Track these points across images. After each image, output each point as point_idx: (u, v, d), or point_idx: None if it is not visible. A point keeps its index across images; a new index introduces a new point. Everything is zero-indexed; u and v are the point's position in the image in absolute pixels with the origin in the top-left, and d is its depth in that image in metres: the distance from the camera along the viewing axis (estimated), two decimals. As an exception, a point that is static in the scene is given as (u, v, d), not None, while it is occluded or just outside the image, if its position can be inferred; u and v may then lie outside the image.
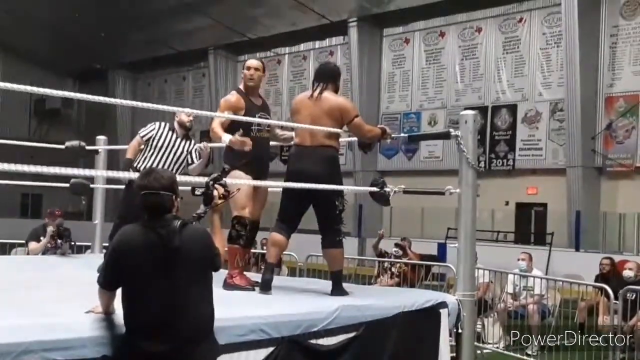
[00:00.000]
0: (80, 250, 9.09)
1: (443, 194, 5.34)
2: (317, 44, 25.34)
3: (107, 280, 3.31)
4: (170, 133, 6.32)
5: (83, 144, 7.31)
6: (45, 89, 4.00)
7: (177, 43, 27.77)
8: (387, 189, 5.33)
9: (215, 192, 4.08)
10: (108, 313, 3.40)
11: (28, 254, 9.09)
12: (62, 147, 7.24)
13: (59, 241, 8.43)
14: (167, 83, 30.66)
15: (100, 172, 6.06)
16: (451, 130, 5.39)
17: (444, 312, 4.91)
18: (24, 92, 5.38)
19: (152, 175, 3.35)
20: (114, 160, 11.60)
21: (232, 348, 3.64)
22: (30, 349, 3.01)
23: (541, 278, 9.72)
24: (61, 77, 32.14)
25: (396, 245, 12.17)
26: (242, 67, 5.64)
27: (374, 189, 5.37)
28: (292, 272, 11.79)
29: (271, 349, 3.80)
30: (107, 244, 7.70)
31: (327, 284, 5.61)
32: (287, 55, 26.27)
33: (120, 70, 31.54)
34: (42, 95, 31.17)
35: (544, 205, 19.62)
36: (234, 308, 4.03)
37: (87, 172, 6.10)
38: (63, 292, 4.71)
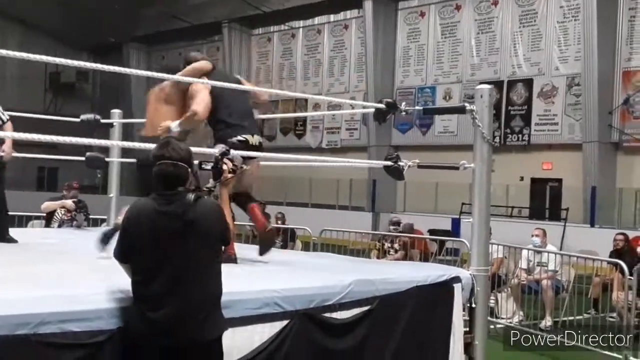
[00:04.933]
0: (96, 223, 9.16)
1: (457, 168, 5.32)
2: (332, 17, 25.17)
3: (120, 253, 3.33)
4: None
5: (98, 117, 7.33)
6: (61, 59, 4.01)
7: (191, 16, 27.68)
8: (401, 163, 5.31)
9: (224, 167, 4.10)
10: None
11: (45, 224, 9.19)
12: (77, 120, 7.27)
13: (74, 213, 8.51)
14: (181, 56, 30.60)
15: (115, 142, 6.10)
16: (466, 104, 5.35)
17: (457, 286, 4.90)
18: (39, 66, 5.43)
19: (170, 146, 3.35)
20: (129, 134, 11.64)
21: (246, 321, 3.66)
22: (47, 320, 3.04)
23: (555, 253, 9.69)
24: (76, 50, 32.15)
25: (392, 223, 12.87)
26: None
27: (388, 163, 5.35)
28: (306, 247, 11.84)
29: (285, 322, 3.82)
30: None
31: (341, 258, 5.64)
32: (301, 29, 26.13)
33: (134, 44, 31.51)
34: (57, 69, 31.34)
35: (559, 180, 19.53)
36: (248, 282, 4.06)
37: (102, 142, 6.16)
38: (79, 264, 4.75)
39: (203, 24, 27.70)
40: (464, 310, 4.91)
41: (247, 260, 5.22)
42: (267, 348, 3.72)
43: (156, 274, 3.20)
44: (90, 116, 7.25)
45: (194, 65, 5.47)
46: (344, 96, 22.76)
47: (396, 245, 11.73)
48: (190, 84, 5.31)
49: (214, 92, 5.26)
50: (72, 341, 3.10)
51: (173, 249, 3.22)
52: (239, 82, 5.66)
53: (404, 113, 5.64)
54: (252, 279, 4.22)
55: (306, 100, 23.60)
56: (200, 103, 5.19)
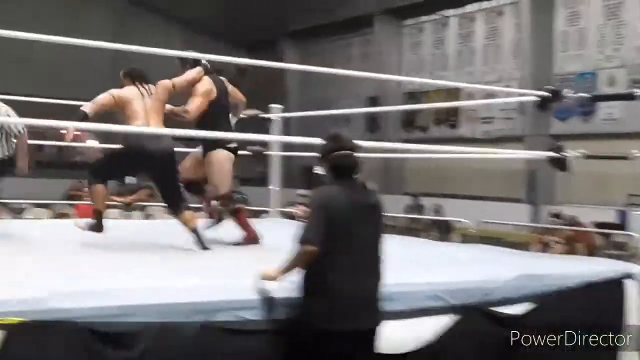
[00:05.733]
0: (256, 215, 9.49)
1: (626, 158, 5.07)
2: (485, 4, 24.56)
3: (315, 237, 3.26)
4: None
5: (260, 112, 7.66)
6: (220, 56, 4.23)
7: (342, 10, 27.95)
8: (565, 154, 5.12)
9: None
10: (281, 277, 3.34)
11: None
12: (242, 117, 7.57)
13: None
14: (332, 51, 30.99)
15: (276, 137, 6.40)
16: (636, 90, 5.08)
17: (630, 283, 4.65)
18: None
19: (342, 137, 3.51)
20: (287, 129, 11.95)
21: (411, 314, 3.67)
22: (222, 308, 3.21)
23: None
24: (232, 48, 33.46)
25: (552, 215, 12.80)
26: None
27: (552, 154, 5.19)
28: (463, 239, 11.66)
29: (450, 316, 3.78)
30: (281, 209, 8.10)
31: (502, 251, 5.52)
32: (454, 18, 25.69)
33: (287, 40, 32.23)
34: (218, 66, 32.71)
35: None
36: (411, 274, 4.05)
37: (263, 137, 6.45)
38: (243, 254, 4.98)
39: (354, 17, 27.89)
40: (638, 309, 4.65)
41: (406, 252, 5.23)
42: (434, 342, 3.70)
43: (341, 259, 3.28)
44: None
45: (197, 71, 5.98)
46: (499, 85, 22.13)
47: (558, 239, 11.33)
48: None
49: (213, 98, 5.79)
50: (251, 328, 3.22)
51: (358, 235, 3.31)
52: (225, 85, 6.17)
53: (567, 101, 5.44)
54: (414, 271, 4.22)
55: (459, 90, 23.18)
56: (194, 106, 5.62)
